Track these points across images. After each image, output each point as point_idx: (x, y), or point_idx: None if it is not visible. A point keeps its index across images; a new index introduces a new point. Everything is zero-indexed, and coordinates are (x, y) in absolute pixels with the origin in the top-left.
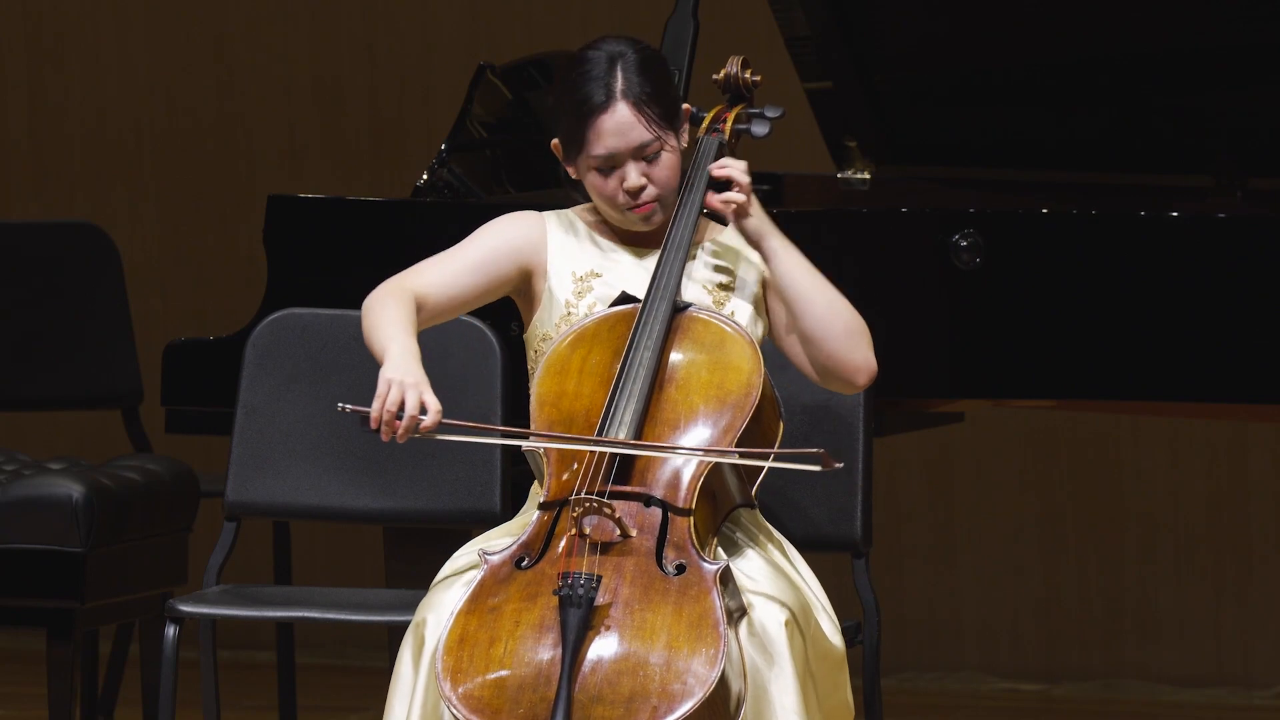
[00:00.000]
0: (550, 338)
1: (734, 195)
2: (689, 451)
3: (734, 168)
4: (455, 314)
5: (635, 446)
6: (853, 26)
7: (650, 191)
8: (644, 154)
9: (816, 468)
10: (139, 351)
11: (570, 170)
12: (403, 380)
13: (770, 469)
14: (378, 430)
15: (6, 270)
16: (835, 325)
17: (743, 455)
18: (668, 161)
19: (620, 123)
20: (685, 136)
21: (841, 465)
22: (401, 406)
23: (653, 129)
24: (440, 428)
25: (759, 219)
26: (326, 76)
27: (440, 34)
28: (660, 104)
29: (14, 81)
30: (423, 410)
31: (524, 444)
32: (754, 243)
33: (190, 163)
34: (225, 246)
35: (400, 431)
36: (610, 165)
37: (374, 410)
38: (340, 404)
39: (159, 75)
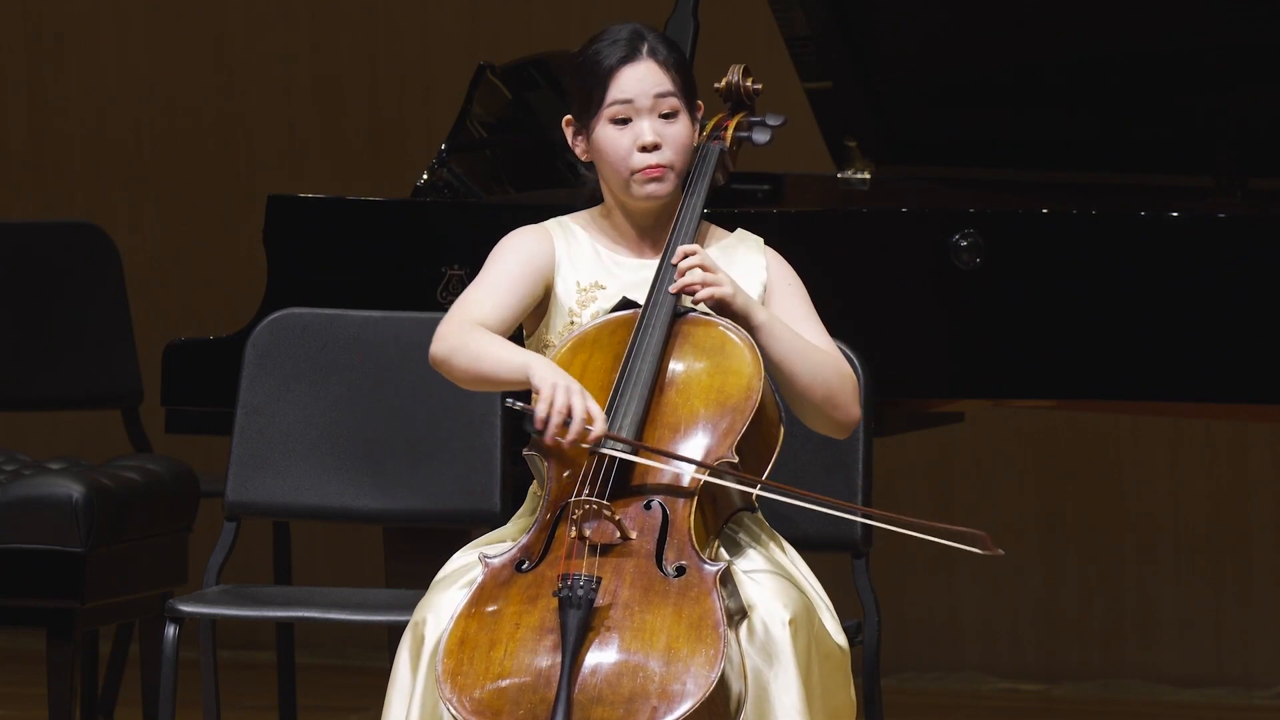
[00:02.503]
0: (553, 344)
1: (710, 292)
2: (866, 513)
3: (694, 269)
4: (506, 337)
5: (811, 498)
6: (853, 26)
7: (664, 154)
8: (662, 110)
9: (976, 550)
10: (139, 351)
11: (580, 146)
12: (568, 385)
13: (763, 470)
14: (541, 432)
15: (6, 270)
16: (817, 392)
17: (906, 525)
18: (684, 127)
19: (643, 73)
20: (697, 131)
21: (1002, 553)
22: (569, 412)
23: (673, 88)
24: (605, 441)
25: (741, 297)
26: (326, 76)
27: (440, 34)
28: (683, 74)
29: (14, 81)
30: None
31: (695, 474)
32: (740, 321)
33: (190, 163)
34: (225, 246)
35: (568, 439)
36: (626, 117)
37: (541, 412)
38: (509, 400)
39: (159, 75)
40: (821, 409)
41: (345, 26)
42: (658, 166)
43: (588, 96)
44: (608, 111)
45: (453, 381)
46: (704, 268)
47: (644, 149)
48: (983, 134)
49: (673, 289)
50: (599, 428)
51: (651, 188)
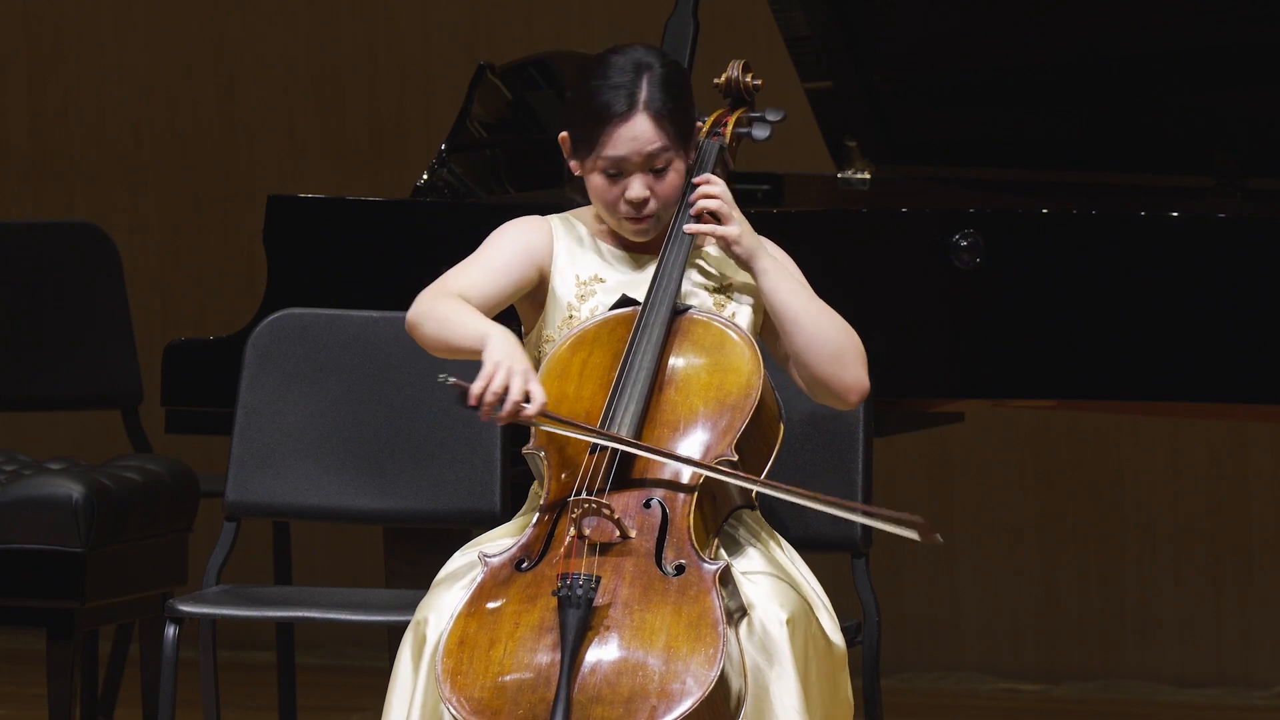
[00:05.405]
0: (552, 339)
1: (714, 228)
2: (810, 498)
3: (710, 198)
4: (490, 316)
5: (751, 480)
6: (853, 26)
7: (651, 206)
8: (653, 166)
9: (914, 536)
10: (139, 351)
11: (574, 165)
12: (510, 365)
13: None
14: (475, 408)
15: (6, 270)
16: (823, 347)
17: (840, 506)
18: (673, 179)
19: (637, 133)
20: (693, 152)
21: (941, 541)
22: (505, 391)
23: (666, 143)
24: (541, 419)
25: (749, 240)
26: (326, 76)
27: (440, 34)
28: (678, 123)
29: (14, 81)
30: (526, 399)
31: (622, 447)
32: (744, 264)
33: (190, 163)
34: (225, 246)
35: (502, 416)
36: (617, 171)
37: (476, 389)
38: (441, 375)
39: (159, 76)
40: (829, 367)
41: (345, 26)
42: (645, 217)
43: (583, 137)
44: (600, 164)
45: (422, 347)
46: (720, 200)
47: (631, 204)
48: (983, 134)
49: (693, 211)
50: (534, 407)
51: (637, 235)
